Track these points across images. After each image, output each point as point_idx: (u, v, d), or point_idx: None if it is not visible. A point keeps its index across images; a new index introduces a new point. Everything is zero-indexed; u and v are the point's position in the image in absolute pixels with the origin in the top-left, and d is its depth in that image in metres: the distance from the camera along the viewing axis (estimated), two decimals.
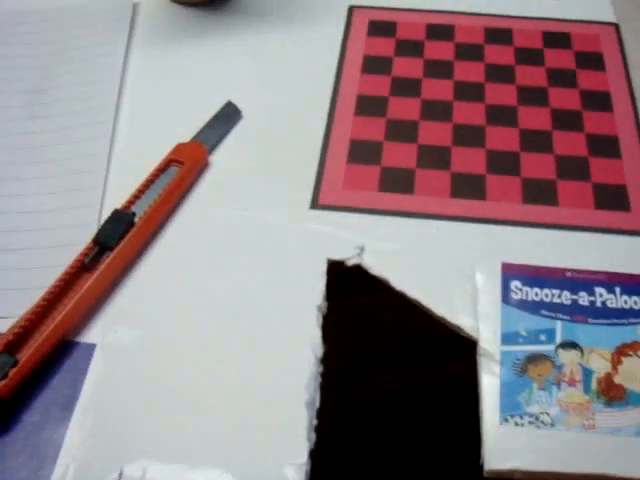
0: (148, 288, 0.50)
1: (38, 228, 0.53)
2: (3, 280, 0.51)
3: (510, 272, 0.49)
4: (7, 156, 0.58)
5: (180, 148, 0.55)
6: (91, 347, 0.48)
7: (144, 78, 0.64)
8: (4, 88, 0.62)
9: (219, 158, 0.57)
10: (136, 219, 0.51)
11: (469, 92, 0.62)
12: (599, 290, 0.48)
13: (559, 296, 0.48)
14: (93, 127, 0.58)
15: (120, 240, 0.51)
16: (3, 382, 0.45)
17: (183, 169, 0.54)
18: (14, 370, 0.45)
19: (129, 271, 0.51)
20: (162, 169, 0.54)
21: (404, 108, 0.60)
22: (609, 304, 0.48)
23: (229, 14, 0.68)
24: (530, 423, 0.43)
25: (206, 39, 0.67)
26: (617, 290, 0.48)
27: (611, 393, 0.44)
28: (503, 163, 0.57)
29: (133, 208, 0.52)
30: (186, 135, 0.58)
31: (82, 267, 0.50)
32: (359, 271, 0.50)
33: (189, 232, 0.53)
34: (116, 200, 0.54)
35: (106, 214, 0.54)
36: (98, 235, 0.50)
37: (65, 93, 0.61)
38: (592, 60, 0.63)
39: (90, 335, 0.49)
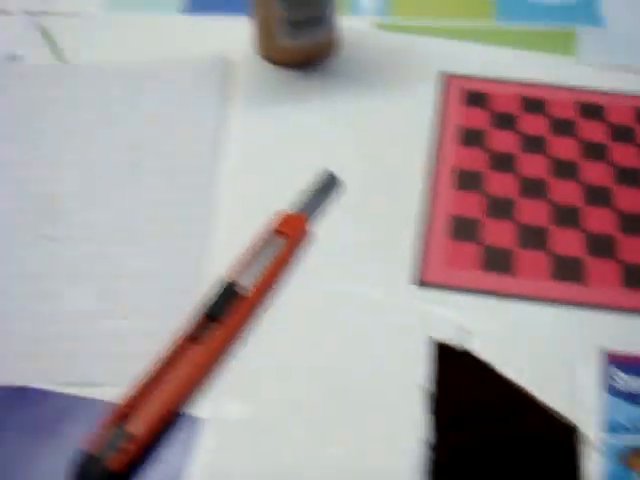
0: (255, 362, 0.52)
1: (136, 292, 0.54)
2: (104, 345, 0.52)
3: (614, 361, 0.49)
4: (104, 215, 0.59)
5: (283, 219, 0.56)
6: (200, 421, 0.48)
7: (240, 141, 0.65)
8: (108, 142, 0.64)
9: (318, 229, 0.57)
10: (242, 290, 0.51)
11: (564, 170, 0.62)
12: None
13: None
14: (191, 191, 0.59)
15: (227, 312, 0.50)
16: (118, 457, 0.45)
17: (289, 243, 0.55)
18: (129, 445, 0.45)
19: (237, 344, 0.52)
20: (267, 240, 0.54)
21: (502, 184, 0.61)
22: None
23: (323, 77, 0.68)
24: None
25: (300, 102, 0.68)
26: None
27: None
28: (601, 246, 0.57)
29: (239, 279, 0.52)
30: (282, 201, 0.59)
31: (189, 338, 0.49)
32: (463, 352, 0.50)
33: (292, 305, 0.54)
34: (216, 267, 0.55)
35: (205, 280, 0.54)
36: (204, 305, 0.50)
37: (161, 153, 0.62)
38: None
39: (199, 409, 0.49)
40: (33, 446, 0.48)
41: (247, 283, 0.53)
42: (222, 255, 0.56)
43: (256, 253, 0.54)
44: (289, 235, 0.55)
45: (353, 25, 0.73)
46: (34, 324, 0.53)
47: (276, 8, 0.65)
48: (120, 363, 0.51)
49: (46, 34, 0.74)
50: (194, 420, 0.49)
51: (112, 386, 0.50)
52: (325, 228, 0.58)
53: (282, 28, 0.66)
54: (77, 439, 0.47)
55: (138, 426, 0.47)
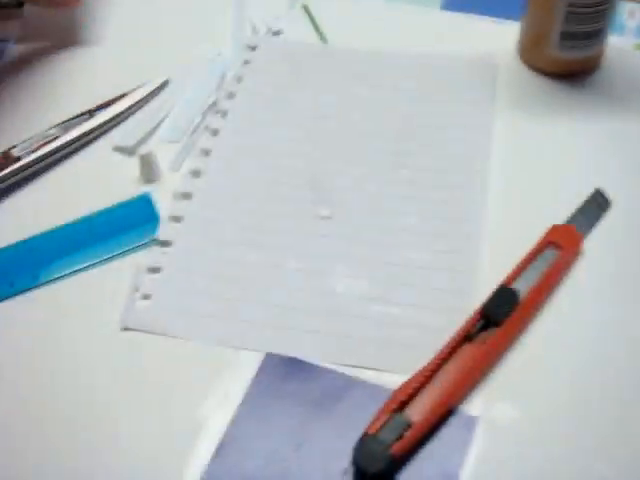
0: (529, 367, 0.51)
1: (409, 282, 0.54)
2: (376, 330, 0.53)
3: None
4: (380, 203, 0.60)
5: (556, 230, 0.55)
6: (473, 419, 0.48)
7: (506, 146, 0.64)
8: (375, 129, 0.64)
9: (589, 246, 0.56)
10: (519, 296, 0.51)
11: None
12: None
13: None
14: (463, 191, 0.59)
15: (505, 315, 0.50)
16: (398, 443, 0.45)
17: (563, 254, 0.54)
18: (409, 432, 0.45)
19: (511, 347, 0.52)
20: (540, 249, 0.54)
21: None
22: None
23: (589, 91, 0.68)
24: None
25: (565, 115, 0.67)
26: None
27: None
28: None
29: (515, 285, 0.52)
30: (551, 213, 0.59)
31: (466, 338, 0.49)
32: None
33: (564, 314, 0.55)
34: (488, 269, 0.56)
35: (479, 282, 0.54)
36: (485, 308, 0.50)
37: (430, 149, 0.61)
38: None
39: (471, 407, 0.49)
40: (309, 420, 0.50)
41: (523, 289, 0.52)
42: (494, 259, 0.56)
43: (529, 261, 0.54)
44: (563, 247, 0.55)
45: (615, 43, 0.71)
46: (307, 300, 0.54)
47: (553, 20, 0.64)
48: (394, 351, 0.51)
49: (308, 11, 0.74)
50: (468, 417, 0.48)
51: (387, 372, 0.51)
52: (595, 246, 0.58)
53: (556, 40, 0.65)
54: (353, 420, 0.48)
55: (417, 415, 0.46)
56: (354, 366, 0.52)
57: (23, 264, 0.57)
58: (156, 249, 0.57)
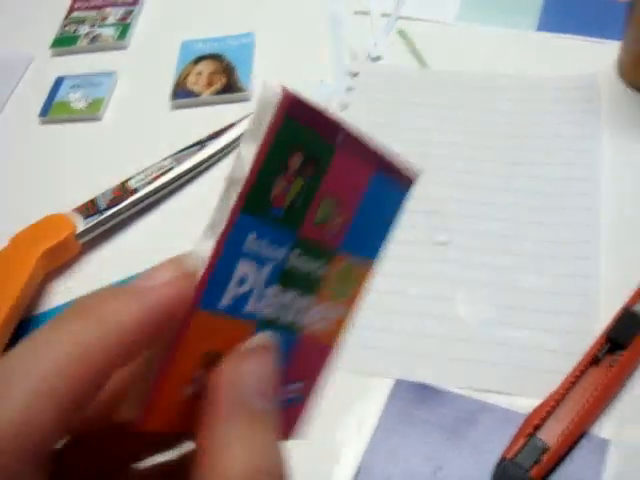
0: None
1: (531, 306, 0.55)
2: (502, 354, 0.54)
3: None
4: (496, 227, 0.61)
5: None
6: (604, 442, 0.48)
7: (617, 168, 0.64)
8: (483, 153, 0.65)
9: None
10: None
11: None
12: None
13: None
14: (577, 213, 0.60)
15: (631, 338, 0.50)
16: (537, 467, 0.46)
17: None
18: (546, 456, 0.46)
19: (638, 370, 0.52)
20: None
21: None
22: None
23: None
24: None
25: None
26: None
27: None
28: None
29: (637, 307, 0.52)
30: None
31: (592, 361, 0.50)
32: None
33: None
34: (608, 291, 0.56)
35: (601, 304, 0.55)
36: (609, 332, 0.51)
37: (540, 172, 0.62)
38: None
39: (602, 430, 0.49)
40: (445, 444, 0.50)
41: None
42: (614, 280, 0.57)
43: None
44: None
45: None
46: (432, 325, 0.56)
47: None
48: (521, 374, 0.52)
49: (405, 37, 0.75)
50: (600, 440, 0.49)
51: (516, 396, 0.51)
52: None
53: None
54: (488, 444, 0.49)
55: (552, 439, 0.47)
56: (484, 390, 0.52)
57: None
58: None
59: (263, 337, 0.27)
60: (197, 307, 0.24)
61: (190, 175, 0.66)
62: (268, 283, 0.27)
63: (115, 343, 0.22)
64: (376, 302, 0.56)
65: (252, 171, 0.24)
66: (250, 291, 0.26)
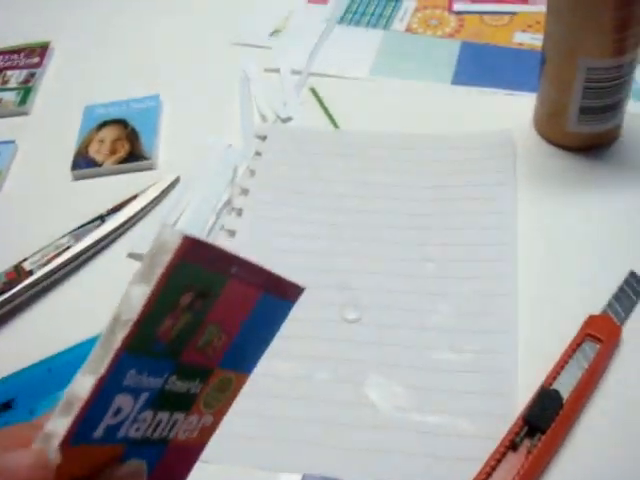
0: (574, 473, 0.49)
1: (447, 389, 0.53)
2: (418, 442, 0.51)
3: None
4: (408, 301, 0.58)
5: (593, 322, 0.54)
6: None
7: (531, 227, 0.62)
8: (395, 219, 0.63)
9: (628, 334, 0.54)
10: (561, 399, 0.49)
11: None
12: None
13: None
14: (494, 281, 0.57)
15: (549, 420, 0.48)
16: None
17: (602, 348, 0.52)
18: None
19: (558, 453, 0.49)
20: (578, 344, 0.52)
21: None
22: None
23: (608, 164, 0.66)
24: None
25: (589, 191, 0.65)
26: None
27: None
28: None
29: (556, 385, 0.50)
30: (587, 301, 0.56)
31: (511, 446, 0.47)
32: None
33: (607, 415, 0.52)
34: (525, 368, 0.54)
35: (518, 383, 0.53)
36: (527, 415, 0.48)
37: (455, 238, 0.60)
38: None
39: None
40: None
41: (564, 390, 0.50)
42: (530, 356, 0.54)
43: (569, 357, 0.52)
44: (602, 340, 0.53)
45: (632, 109, 0.69)
46: (341, 414, 0.53)
47: (571, 96, 0.63)
48: (437, 463, 0.49)
49: (317, 95, 0.73)
50: None
51: None
52: (633, 333, 0.55)
53: (574, 115, 0.63)
54: None
55: None
56: None
57: (45, 387, 0.55)
58: None
59: (135, 464, 0.28)
60: (69, 444, 0.24)
61: (90, 252, 0.62)
62: (142, 409, 0.27)
63: None
64: (281, 389, 0.53)
65: (141, 314, 0.24)
66: (124, 419, 0.26)
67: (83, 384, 0.25)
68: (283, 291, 0.32)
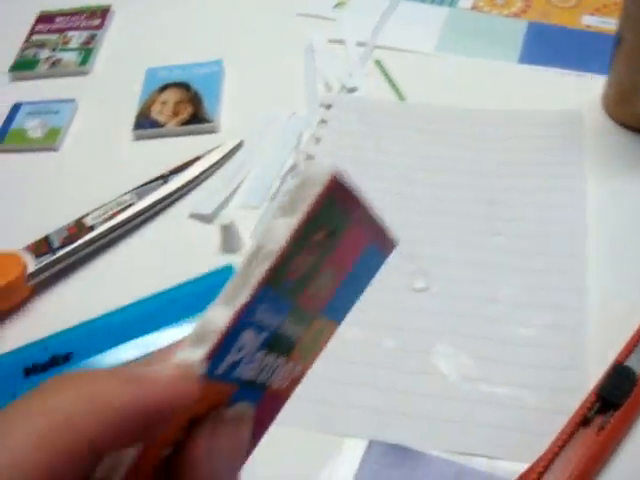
0: None
1: (522, 362, 0.50)
2: (484, 413, 0.50)
3: None
4: (477, 273, 0.57)
5: None
6: None
7: (599, 207, 0.61)
8: (462, 192, 0.61)
9: None
10: (635, 374, 0.47)
11: None
12: None
13: None
14: (563, 259, 0.55)
15: (623, 396, 0.47)
16: None
17: None
18: None
19: (631, 430, 0.48)
20: None
21: None
22: None
23: None
24: None
25: None
26: None
27: None
28: None
29: (629, 362, 0.49)
30: None
31: (583, 421, 0.46)
32: None
33: None
34: (597, 344, 0.52)
35: (589, 358, 0.51)
36: (600, 390, 0.47)
37: (524, 213, 0.58)
38: None
39: None
40: None
41: (637, 366, 0.49)
42: (602, 332, 0.53)
43: None
44: None
45: None
46: (410, 382, 0.52)
47: None
48: (505, 436, 0.48)
49: (382, 67, 0.72)
50: None
51: (499, 459, 0.47)
52: None
53: None
54: None
55: None
56: (465, 453, 0.48)
57: (102, 342, 0.54)
58: None
59: (243, 407, 0.27)
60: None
61: (151, 212, 0.61)
62: (259, 349, 0.26)
63: (103, 422, 0.22)
64: (349, 354, 0.52)
65: (287, 247, 0.24)
66: (243, 357, 0.26)
67: (218, 315, 0.24)
68: (383, 243, 0.31)
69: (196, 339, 0.24)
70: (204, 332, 0.24)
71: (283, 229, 0.24)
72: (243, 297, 0.24)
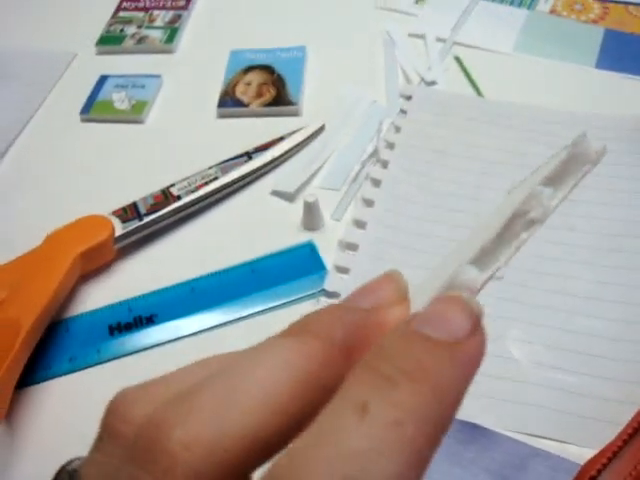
0: None
1: (596, 354, 0.53)
2: (555, 400, 0.51)
3: None
4: (549, 266, 0.59)
5: None
6: None
7: None
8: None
9: None
10: None
11: None
12: None
13: None
14: (636, 256, 0.57)
15: None
16: None
17: None
18: None
19: None
20: None
21: None
22: None
23: None
24: None
25: None
26: None
27: None
28: None
29: None
30: None
31: None
32: None
33: None
34: None
35: None
36: None
37: (602, 210, 0.60)
38: None
39: None
40: None
41: None
42: None
43: None
44: None
45: None
46: (485, 364, 0.51)
47: None
48: (576, 422, 0.50)
49: (461, 63, 0.73)
50: None
51: (569, 444, 0.49)
52: None
53: None
54: None
55: None
56: (535, 436, 0.50)
57: (186, 306, 0.57)
58: (323, 300, 0.55)
59: None
60: None
61: (234, 187, 0.64)
62: None
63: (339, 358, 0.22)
64: None
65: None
66: None
67: (472, 277, 0.24)
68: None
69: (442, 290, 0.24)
70: (453, 286, 0.24)
71: (550, 199, 0.25)
72: (499, 261, 0.24)
